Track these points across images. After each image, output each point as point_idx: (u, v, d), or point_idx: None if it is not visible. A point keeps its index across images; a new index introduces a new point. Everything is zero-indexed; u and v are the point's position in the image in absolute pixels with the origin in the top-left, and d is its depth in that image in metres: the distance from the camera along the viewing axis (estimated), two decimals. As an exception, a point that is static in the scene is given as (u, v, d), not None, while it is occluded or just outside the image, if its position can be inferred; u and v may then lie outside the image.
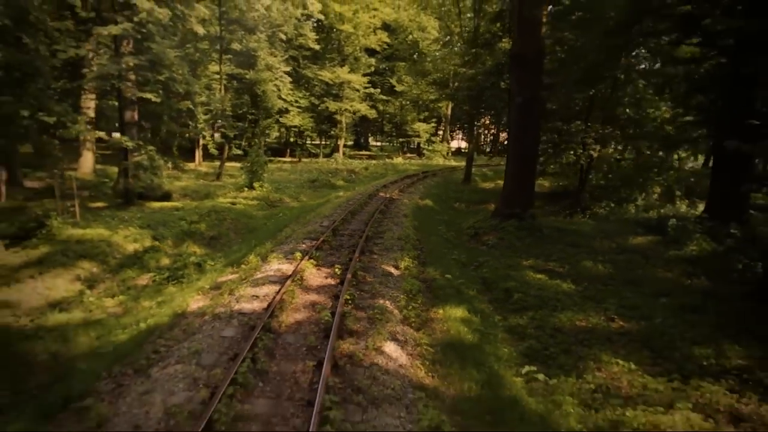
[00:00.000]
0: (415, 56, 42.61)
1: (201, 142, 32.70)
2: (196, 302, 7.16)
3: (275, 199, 19.87)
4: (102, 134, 17.68)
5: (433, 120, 47.95)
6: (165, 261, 10.97)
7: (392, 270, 8.60)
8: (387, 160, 41.03)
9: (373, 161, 39.06)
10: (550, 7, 14.22)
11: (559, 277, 9.91)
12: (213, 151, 32.46)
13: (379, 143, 56.68)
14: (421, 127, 44.21)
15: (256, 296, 6.78)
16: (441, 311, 7.12)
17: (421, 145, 47.91)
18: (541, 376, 6.04)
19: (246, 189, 20.78)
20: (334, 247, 9.93)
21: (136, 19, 16.40)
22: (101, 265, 10.85)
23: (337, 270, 7.97)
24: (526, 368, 6.19)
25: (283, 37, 32.04)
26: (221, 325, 5.84)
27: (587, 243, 12.69)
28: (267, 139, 38.42)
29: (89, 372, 5.28)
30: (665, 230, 13.23)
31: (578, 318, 7.90)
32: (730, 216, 11.65)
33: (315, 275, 7.90)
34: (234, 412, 4.07)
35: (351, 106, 39.90)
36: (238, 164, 32.04)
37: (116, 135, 18.93)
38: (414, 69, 39.29)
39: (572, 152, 17.33)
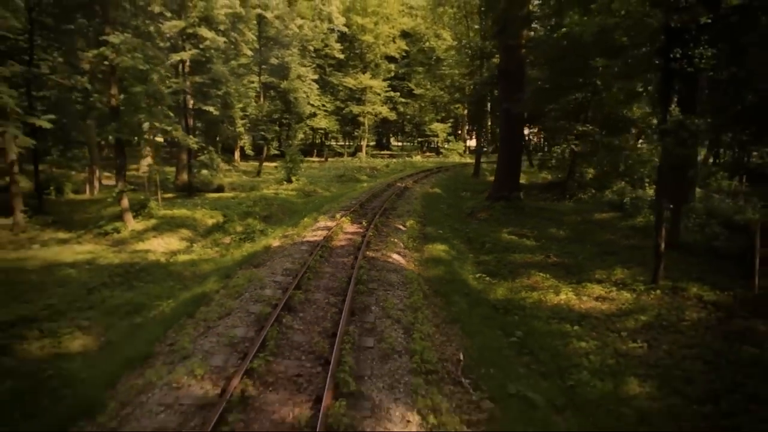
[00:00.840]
0: (432, 61, 46.69)
1: (239, 144, 37.61)
2: (275, 242, 11.51)
3: (310, 190, 24.30)
4: (193, 141, 21.79)
5: (451, 120, 51.92)
6: (238, 228, 15.42)
7: (401, 227, 12.82)
8: (406, 158, 45.29)
9: (394, 159, 43.39)
10: (531, 33, 18.18)
11: (525, 237, 13.88)
12: (249, 152, 37.36)
13: (400, 143, 61.02)
14: (439, 127, 48.33)
15: (314, 235, 11.09)
16: (430, 246, 11.31)
17: (439, 144, 51.97)
18: (487, 278, 10.14)
19: (285, 182, 25.31)
20: (361, 214, 14.21)
21: (201, 46, 21.13)
22: (194, 231, 15.41)
23: (363, 223, 12.25)
24: (479, 275, 10.30)
25: (312, 49, 36.73)
26: (297, 247, 10.14)
27: (559, 218, 16.55)
28: (296, 141, 43.07)
29: (225, 271, 9.58)
30: (624, 208, 17.00)
31: (527, 257, 11.90)
32: (678, 197, 15.37)
33: (350, 226, 12.20)
34: (316, 269, 8.32)
35: (373, 109, 44.34)
36: (272, 163, 36.84)
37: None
38: (431, 73, 43.44)
39: (559, 148, 21.18)
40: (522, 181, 25.50)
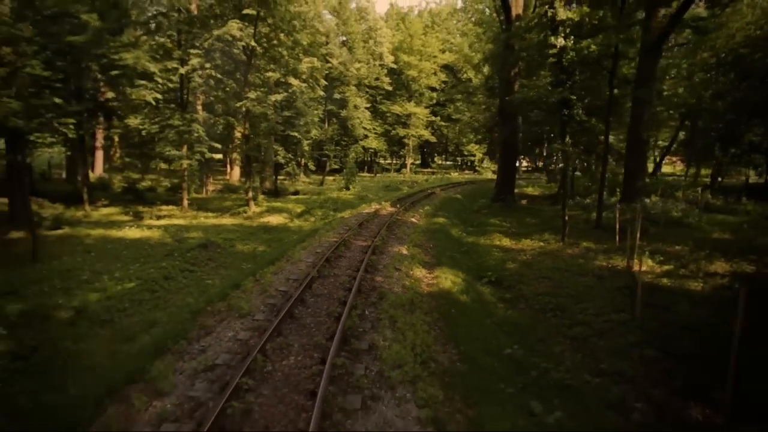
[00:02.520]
0: (470, 89, 55.21)
1: (303, 161, 47.56)
2: (345, 215, 20.36)
3: (363, 195, 33.26)
4: (282, 157, 31.45)
5: (487, 142, 59.96)
6: (318, 213, 24.41)
7: (420, 210, 21.41)
8: (445, 174, 53.73)
9: (434, 175, 51.97)
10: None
11: (504, 221, 21.97)
12: (312, 167, 47.18)
13: (445, 162, 69.64)
14: (475, 148, 56.42)
15: (368, 211, 19.85)
16: (435, 219, 19.81)
17: (475, 163, 60.08)
18: (463, 234, 18.42)
19: (344, 189, 34.46)
20: (396, 205, 22.91)
21: (289, 90, 30.84)
22: (289, 214, 24.58)
23: (397, 207, 20.96)
24: (462, 233, 18.61)
25: (366, 83, 46.39)
26: (359, 215, 18.94)
27: (537, 214, 24.41)
28: (352, 158, 52.60)
29: (318, 227, 18.41)
30: (589, 208, 24.65)
31: (497, 229, 20.01)
32: (632, 200, 22.91)
33: (389, 209, 20.95)
34: (369, 221, 17.01)
35: (416, 132, 53.34)
36: (331, 177, 46.38)
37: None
38: (468, 101, 51.98)
39: (551, 165, 29.07)
40: (536, 193, 33.44)
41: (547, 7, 15.79)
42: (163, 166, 45.14)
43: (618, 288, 11.42)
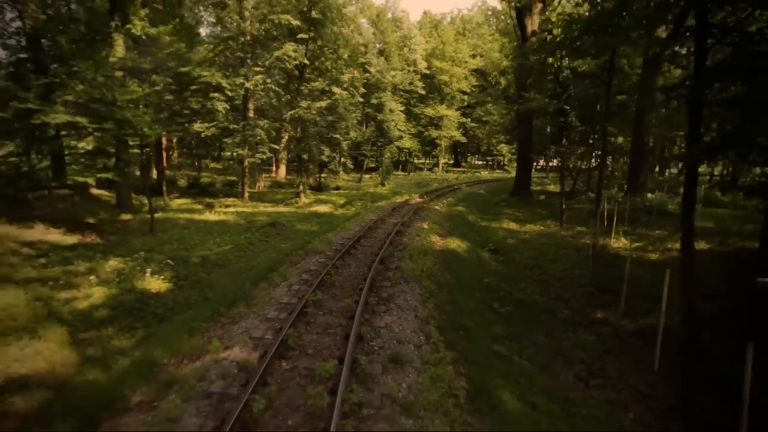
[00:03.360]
0: (499, 92, 58.75)
1: (343, 160, 52.54)
2: (382, 204, 24.88)
3: (397, 190, 37.68)
4: (326, 156, 36.48)
5: (516, 142, 63.24)
6: (358, 204, 29.01)
7: (444, 201, 25.69)
8: (475, 173, 57.55)
9: (464, 174, 55.92)
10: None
11: (518, 213, 25.94)
12: (350, 165, 52.02)
13: (478, 161, 73.40)
14: (504, 148, 59.93)
15: (399, 202, 24.31)
16: (455, 208, 24.05)
17: (504, 163, 63.53)
18: (478, 219, 22.55)
19: (380, 186, 39.02)
20: (424, 197, 27.27)
21: (332, 98, 35.69)
22: (334, 205, 29.31)
23: (425, 198, 25.34)
24: (476, 218, 22.76)
25: (401, 88, 50.89)
26: (391, 206, 23.43)
27: (548, 206, 28.21)
28: (387, 157, 57.29)
29: (361, 213, 22.98)
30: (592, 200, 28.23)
31: (508, 217, 24.02)
32: (635, 194, 26.43)
33: (417, 199, 25.35)
34: (400, 208, 21.47)
35: (448, 133, 57.42)
36: (367, 175, 51.13)
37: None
38: (498, 103, 55.56)
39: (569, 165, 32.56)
40: (556, 189, 36.95)
41: (546, 33, 19.75)
42: (213, 165, 51.22)
43: (588, 256, 15.39)
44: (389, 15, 54.03)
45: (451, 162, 71.49)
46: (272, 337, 7.08)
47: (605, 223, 19.41)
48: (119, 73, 20.03)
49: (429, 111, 55.71)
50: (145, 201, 27.33)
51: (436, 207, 23.59)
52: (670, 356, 8.56)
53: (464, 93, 59.50)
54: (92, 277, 11.69)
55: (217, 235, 18.82)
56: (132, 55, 21.34)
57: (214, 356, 6.51)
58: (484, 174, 57.02)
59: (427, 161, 64.91)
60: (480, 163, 70.25)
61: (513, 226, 21.60)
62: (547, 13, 22.85)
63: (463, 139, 59.89)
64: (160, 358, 6.73)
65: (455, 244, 15.32)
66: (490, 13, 60.16)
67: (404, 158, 63.03)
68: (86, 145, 22.05)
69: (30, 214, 18.04)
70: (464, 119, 58.97)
